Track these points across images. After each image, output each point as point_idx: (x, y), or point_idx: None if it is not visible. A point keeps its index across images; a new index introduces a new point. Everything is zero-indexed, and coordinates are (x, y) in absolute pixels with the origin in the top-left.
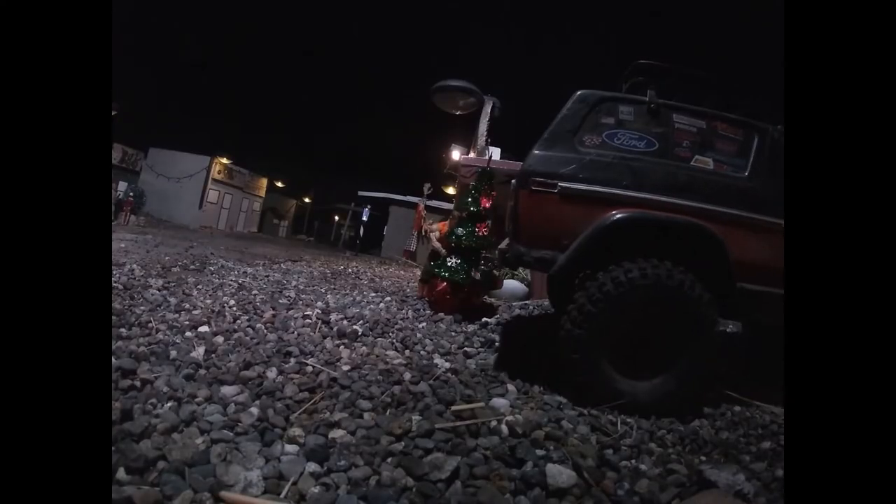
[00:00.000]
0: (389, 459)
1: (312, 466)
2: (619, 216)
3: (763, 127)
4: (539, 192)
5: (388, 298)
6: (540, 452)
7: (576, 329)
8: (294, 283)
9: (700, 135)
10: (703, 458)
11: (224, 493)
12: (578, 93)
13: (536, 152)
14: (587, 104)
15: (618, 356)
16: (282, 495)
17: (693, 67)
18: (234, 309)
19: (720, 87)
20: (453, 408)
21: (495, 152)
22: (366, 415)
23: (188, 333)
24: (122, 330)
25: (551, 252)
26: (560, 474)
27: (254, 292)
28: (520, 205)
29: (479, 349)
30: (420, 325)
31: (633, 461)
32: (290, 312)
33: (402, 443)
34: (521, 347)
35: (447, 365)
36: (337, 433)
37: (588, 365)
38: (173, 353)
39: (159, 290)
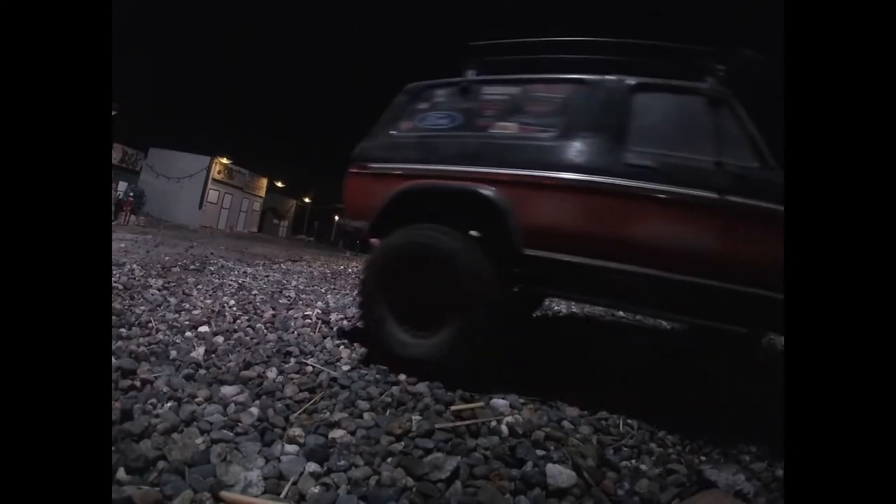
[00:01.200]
0: (389, 459)
1: (312, 466)
2: (400, 188)
3: (587, 81)
4: (355, 174)
5: None
6: (540, 452)
7: (360, 288)
8: (294, 283)
9: (509, 102)
10: (703, 458)
11: (224, 493)
12: (406, 86)
13: (361, 143)
14: (410, 94)
15: (402, 316)
16: (282, 495)
17: (521, 39)
18: (234, 309)
19: (549, 49)
20: (453, 408)
21: None
22: (366, 415)
23: (188, 333)
24: (122, 330)
25: (363, 222)
26: (560, 474)
27: (254, 292)
28: (344, 186)
29: None
30: None
31: (633, 461)
32: (291, 312)
33: (402, 443)
34: (521, 347)
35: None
36: (337, 433)
37: (375, 323)
38: (173, 353)
39: (159, 290)
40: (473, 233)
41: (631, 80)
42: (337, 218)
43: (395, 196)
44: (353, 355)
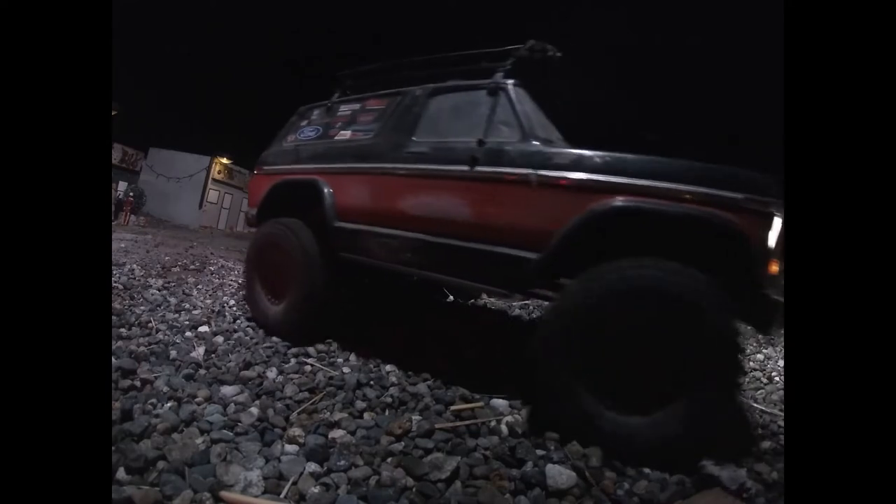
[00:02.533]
0: (389, 459)
1: (312, 466)
2: (271, 183)
3: (400, 92)
4: (254, 175)
5: None
6: (540, 452)
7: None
8: None
9: (350, 115)
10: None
11: (224, 493)
12: (298, 108)
13: (263, 152)
14: (298, 114)
15: (267, 288)
16: (282, 495)
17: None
18: (234, 309)
19: (394, 69)
20: (452, 408)
21: None
22: (366, 415)
23: (188, 333)
24: (122, 330)
25: (255, 209)
26: (560, 475)
27: None
28: (248, 184)
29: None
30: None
31: None
32: None
33: (402, 443)
34: (520, 347)
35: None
36: (337, 433)
37: (249, 290)
38: (173, 353)
39: (159, 290)
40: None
41: (429, 87)
42: None
43: (268, 190)
44: (353, 355)
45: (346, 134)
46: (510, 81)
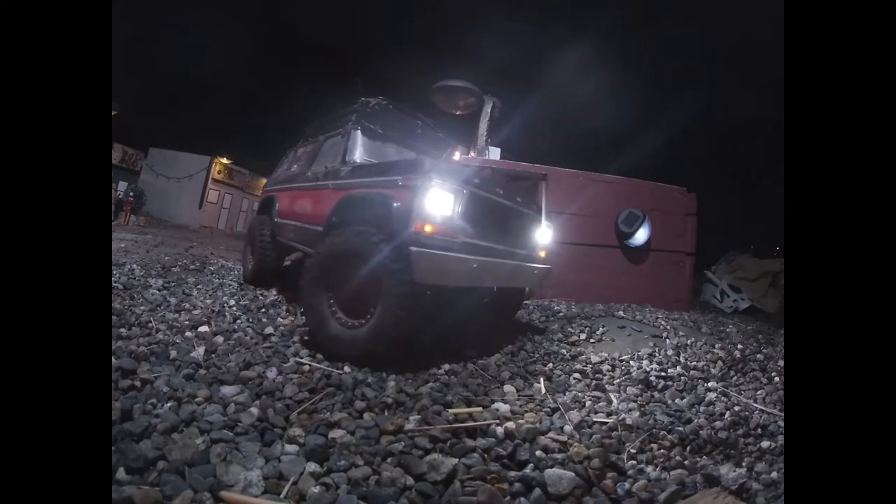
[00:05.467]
0: (389, 459)
1: (312, 466)
2: (263, 197)
3: (317, 139)
4: (264, 193)
5: None
6: (541, 455)
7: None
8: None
9: (299, 155)
10: (704, 457)
11: (224, 493)
12: (287, 150)
13: (271, 176)
14: (286, 154)
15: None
16: (282, 495)
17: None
18: (234, 309)
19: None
20: (451, 410)
21: (495, 152)
22: (365, 415)
23: (188, 333)
24: (122, 330)
25: (266, 217)
26: (560, 479)
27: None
28: (260, 200)
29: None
30: None
31: (634, 462)
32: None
33: (402, 443)
34: (520, 348)
35: (446, 366)
36: (337, 433)
37: (246, 258)
38: (173, 353)
39: (159, 290)
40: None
41: (325, 135)
42: None
43: (260, 202)
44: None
45: (294, 167)
46: (354, 127)
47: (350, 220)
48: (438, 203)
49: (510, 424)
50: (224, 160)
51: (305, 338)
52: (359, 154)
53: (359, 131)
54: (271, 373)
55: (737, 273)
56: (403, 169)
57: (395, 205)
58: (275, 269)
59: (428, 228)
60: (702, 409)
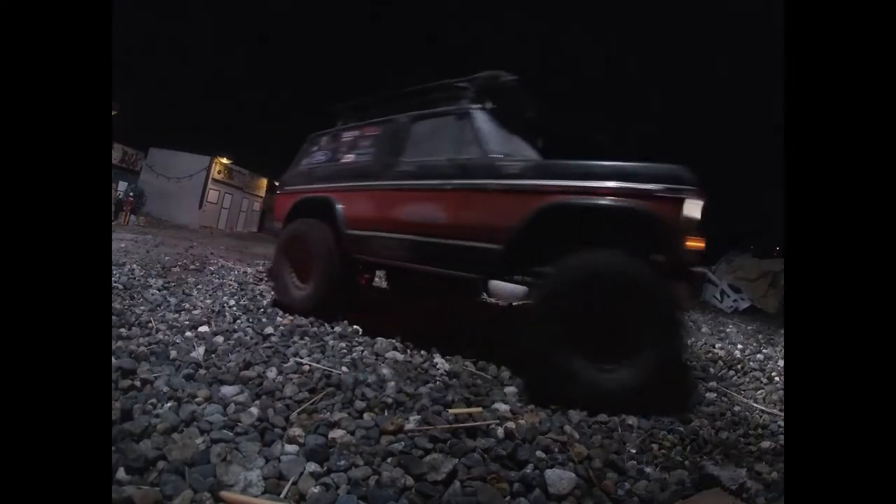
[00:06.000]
0: (389, 459)
1: (312, 466)
2: (293, 201)
3: (389, 120)
4: (277, 194)
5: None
6: (541, 455)
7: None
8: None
9: (351, 141)
10: (704, 457)
11: (224, 493)
12: (309, 136)
13: (282, 175)
14: (310, 141)
15: (296, 273)
16: (282, 495)
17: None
18: (234, 309)
19: (377, 102)
20: (452, 410)
21: None
22: (365, 415)
23: (188, 333)
24: (122, 330)
25: (280, 223)
26: (560, 480)
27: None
28: (273, 201)
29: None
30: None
31: (634, 462)
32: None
33: (402, 443)
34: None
35: (447, 366)
36: (337, 433)
37: (279, 279)
38: (173, 353)
39: (159, 290)
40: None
41: (411, 114)
42: None
43: (292, 206)
44: (353, 355)
45: (349, 157)
46: (475, 106)
47: (570, 236)
48: (701, 218)
49: (510, 424)
50: (224, 160)
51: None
52: (495, 143)
53: (485, 113)
54: (271, 373)
55: (737, 273)
56: (657, 175)
57: (659, 219)
58: (349, 293)
59: (697, 245)
60: (702, 409)
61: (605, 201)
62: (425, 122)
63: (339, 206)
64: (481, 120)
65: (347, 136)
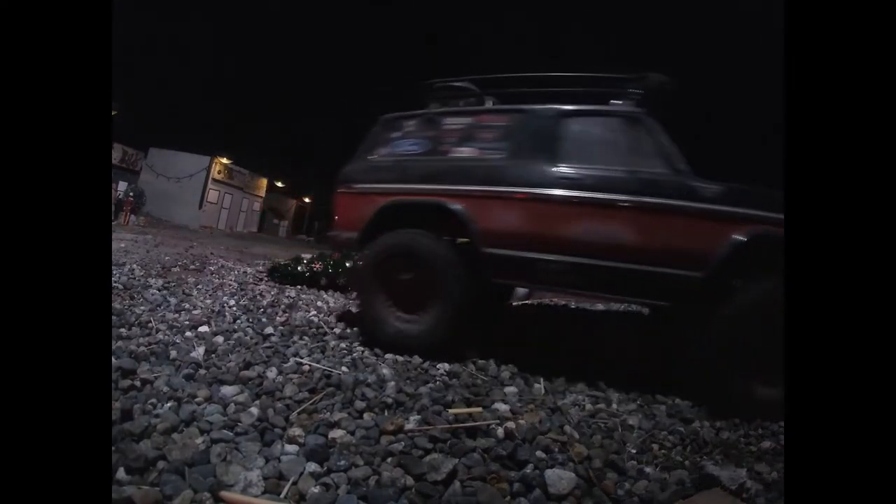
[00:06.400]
0: (389, 459)
1: (312, 466)
2: (382, 203)
3: (524, 110)
4: (342, 193)
5: None
6: (541, 455)
7: (354, 281)
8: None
9: (464, 130)
10: (704, 457)
11: (224, 493)
12: (381, 117)
13: (345, 167)
14: (382, 125)
15: (393, 302)
16: (282, 495)
17: (463, 79)
18: (234, 309)
19: (497, 84)
20: (452, 410)
21: None
22: (365, 415)
23: (188, 333)
24: (122, 330)
25: (351, 233)
26: (560, 480)
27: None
28: (334, 203)
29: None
30: None
31: (634, 462)
32: (291, 312)
33: (402, 443)
34: (521, 348)
35: (447, 367)
36: (337, 433)
37: (371, 309)
38: (173, 353)
39: (159, 290)
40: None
41: (559, 108)
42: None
43: (379, 210)
44: (354, 355)
45: (466, 151)
46: (642, 111)
47: (766, 264)
48: None
49: (510, 424)
50: (224, 160)
51: None
52: (678, 159)
53: (657, 121)
54: (271, 373)
55: None
56: None
57: None
58: (483, 325)
59: None
60: (702, 409)
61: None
62: (579, 119)
63: (469, 216)
64: (659, 130)
65: (454, 123)
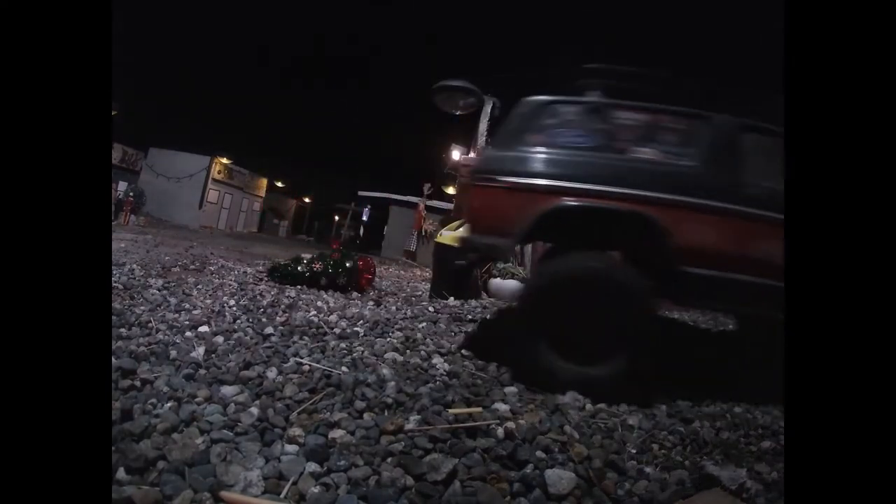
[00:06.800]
0: (389, 459)
1: (312, 466)
2: (553, 205)
3: (711, 116)
4: (486, 187)
5: (388, 298)
6: (541, 455)
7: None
8: None
9: (642, 128)
10: (704, 457)
11: (224, 493)
12: (524, 99)
13: (486, 153)
14: (531, 108)
15: (560, 341)
16: (282, 495)
17: (641, 66)
18: (234, 309)
19: (668, 82)
20: (452, 410)
21: None
22: (365, 415)
23: (188, 333)
24: (122, 330)
25: (500, 239)
26: (560, 480)
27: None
28: (470, 198)
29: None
30: (420, 325)
31: (634, 462)
32: (291, 312)
33: (402, 443)
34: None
35: (447, 367)
36: (337, 433)
37: (530, 347)
38: (173, 353)
39: (159, 290)
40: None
41: (739, 121)
42: (337, 218)
43: (547, 213)
44: (354, 356)
45: (648, 152)
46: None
47: None
48: None
49: (510, 424)
50: (224, 160)
51: None
52: None
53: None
54: (271, 373)
55: None
56: None
57: None
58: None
59: None
60: (703, 409)
61: None
62: (752, 135)
63: (666, 229)
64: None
65: (628, 117)
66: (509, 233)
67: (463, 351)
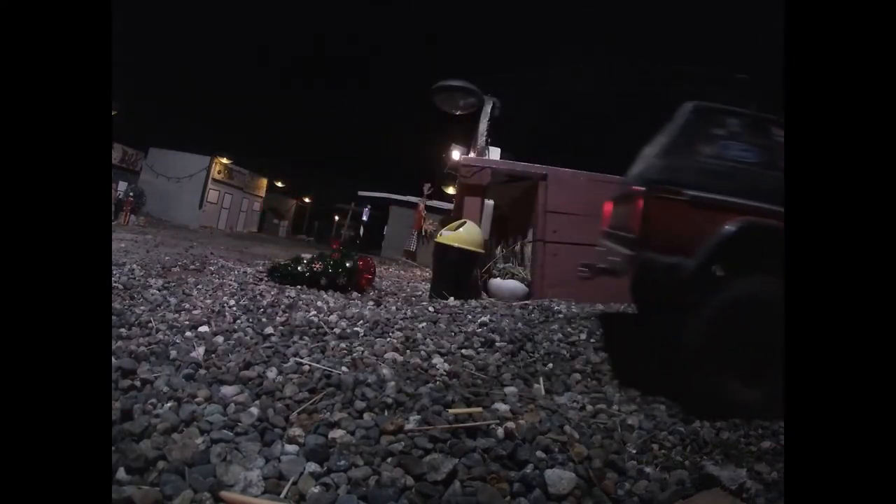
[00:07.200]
0: (389, 459)
1: (312, 466)
2: (743, 223)
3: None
4: (665, 200)
5: (388, 298)
6: (541, 455)
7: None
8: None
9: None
10: (704, 457)
11: (224, 493)
12: (692, 104)
13: (658, 162)
14: (698, 115)
15: (741, 368)
16: (282, 495)
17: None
18: (234, 309)
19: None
20: (452, 410)
21: (495, 152)
22: (365, 415)
23: (188, 333)
24: (122, 330)
25: (681, 258)
26: (560, 480)
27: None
28: (648, 212)
29: (479, 349)
30: (420, 325)
31: (635, 462)
32: (291, 312)
33: (402, 443)
34: (520, 348)
35: (447, 367)
36: (337, 433)
37: (712, 376)
38: (173, 353)
39: (159, 290)
40: None
41: None
42: (337, 218)
43: (735, 232)
44: (354, 356)
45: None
46: None
47: None
48: None
49: (510, 424)
50: (224, 160)
51: None
52: None
53: None
54: (271, 373)
55: None
56: None
57: None
58: None
59: None
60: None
61: None
62: None
63: None
64: None
65: (778, 133)
66: (693, 252)
67: (463, 350)
